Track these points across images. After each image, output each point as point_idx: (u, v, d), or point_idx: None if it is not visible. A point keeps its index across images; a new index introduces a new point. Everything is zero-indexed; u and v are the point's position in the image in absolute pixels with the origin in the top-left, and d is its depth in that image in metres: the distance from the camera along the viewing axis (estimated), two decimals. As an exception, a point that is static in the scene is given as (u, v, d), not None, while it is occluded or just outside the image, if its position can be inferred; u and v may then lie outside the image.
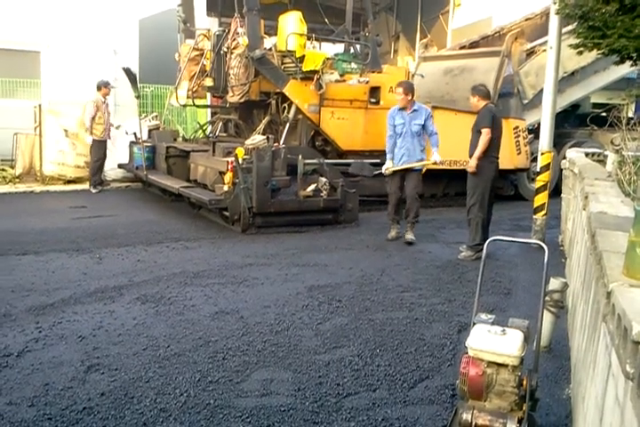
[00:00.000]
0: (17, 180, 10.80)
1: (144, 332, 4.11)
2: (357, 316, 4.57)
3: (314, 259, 6.29)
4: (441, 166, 9.51)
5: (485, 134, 6.37)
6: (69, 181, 10.94)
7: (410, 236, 7.16)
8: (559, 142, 10.87)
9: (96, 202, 9.47)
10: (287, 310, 4.66)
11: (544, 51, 8.53)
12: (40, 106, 10.92)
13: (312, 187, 7.85)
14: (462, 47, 12.75)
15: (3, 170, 10.99)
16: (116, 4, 13.22)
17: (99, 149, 10.27)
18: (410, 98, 7.03)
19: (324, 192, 7.86)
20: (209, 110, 12.66)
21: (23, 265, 5.72)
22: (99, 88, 10.35)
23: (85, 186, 10.63)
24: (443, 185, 10.34)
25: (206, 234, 7.36)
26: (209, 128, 11.15)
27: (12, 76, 12.45)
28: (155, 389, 3.28)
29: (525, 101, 10.71)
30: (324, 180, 7.94)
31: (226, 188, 7.36)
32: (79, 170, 11.05)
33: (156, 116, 11.82)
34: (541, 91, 7.95)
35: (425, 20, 15.06)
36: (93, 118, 10.13)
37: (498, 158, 6.61)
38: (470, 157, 6.54)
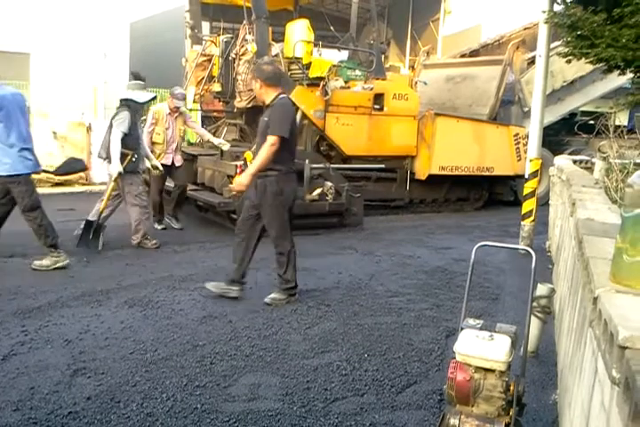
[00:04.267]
0: (4, 182, 10.71)
1: (131, 336, 4.08)
2: (346, 320, 4.56)
3: (302, 263, 6.26)
4: (443, 172, 9.73)
5: (272, 144, 4.62)
6: (57, 184, 10.88)
7: None
8: (557, 150, 11.12)
9: (85, 205, 9.39)
10: (275, 314, 4.65)
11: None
12: (29, 108, 10.85)
13: (318, 191, 7.97)
14: (463, 55, 12.95)
15: (-10, 172, 10.91)
16: (107, 7, 13.19)
17: (158, 177, 7.63)
18: None
19: (330, 196, 8.00)
20: (199, 116, 12.66)
21: (9, 268, 5.68)
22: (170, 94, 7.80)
23: (74, 188, 10.56)
24: (445, 190, 10.48)
25: (195, 238, 7.33)
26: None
27: (1, 78, 12.36)
28: (141, 393, 3.26)
29: (526, 109, 10.90)
30: (329, 184, 8.06)
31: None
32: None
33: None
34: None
35: (415, 26, 15.15)
36: (150, 135, 7.61)
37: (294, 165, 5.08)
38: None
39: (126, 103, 6.51)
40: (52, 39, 12.54)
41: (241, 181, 4.72)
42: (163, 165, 7.40)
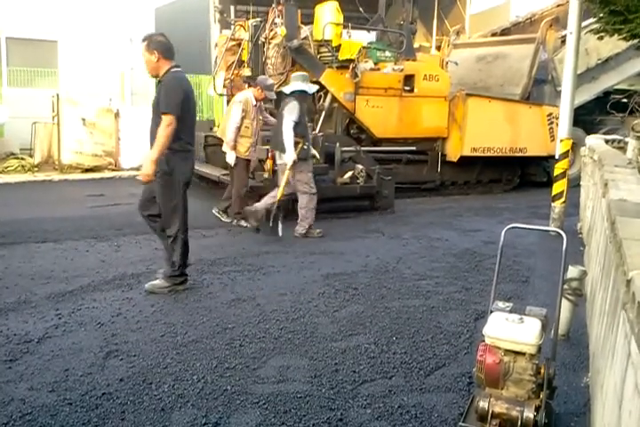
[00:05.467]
0: (36, 169, 10.90)
1: (162, 319, 4.14)
2: (373, 303, 4.56)
3: (330, 247, 6.29)
4: (474, 154, 9.65)
5: (168, 124, 4.34)
6: (87, 170, 11.03)
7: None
8: (591, 129, 10.89)
9: (113, 190, 9.53)
10: (303, 297, 4.67)
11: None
12: (58, 95, 10.99)
13: (349, 174, 8.01)
14: (494, 34, 12.72)
15: (22, 159, 11.10)
16: (132, -7, 13.23)
17: (242, 171, 7.10)
18: None
19: (361, 179, 8.03)
20: (225, 100, 12.67)
21: (42, 253, 5.79)
22: (255, 85, 7.23)
23: (103, 174, 10.68)
24: (477, 172, 10.40)
25: (223, 222, 7.37)
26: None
27: (29, 66, 12.53)
28: (172, 375, 3.31)
29: (559, 88, 10.67)
30: (360, 167, 8.09)
31: (266, 175, 7.41)
32: (97, 158, 11.14)
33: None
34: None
35: (442, 5, 14.88)
36: (239, 128, 6.95)
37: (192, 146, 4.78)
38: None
39: (293, 93, 6.57)
40: (79, 26, 12.64)
41: (144, 171, 4.37)
42: (247, 160, 7.09)
